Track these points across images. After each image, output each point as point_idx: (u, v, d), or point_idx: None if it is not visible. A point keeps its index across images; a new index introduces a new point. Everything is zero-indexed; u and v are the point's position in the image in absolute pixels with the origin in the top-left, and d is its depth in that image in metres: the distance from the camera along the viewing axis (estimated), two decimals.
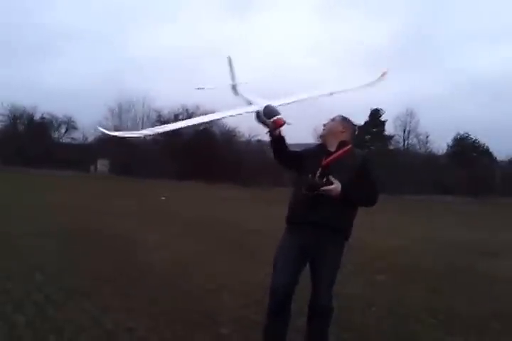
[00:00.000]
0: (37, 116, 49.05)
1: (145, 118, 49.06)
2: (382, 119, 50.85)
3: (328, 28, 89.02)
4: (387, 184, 39.35)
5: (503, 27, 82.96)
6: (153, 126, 47.50)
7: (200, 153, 41.75)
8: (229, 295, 4.89)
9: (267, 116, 3.35)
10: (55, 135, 50.44)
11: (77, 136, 50.52)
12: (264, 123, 3.36)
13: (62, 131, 50.22)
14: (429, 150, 50.68)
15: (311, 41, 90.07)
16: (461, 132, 49.94)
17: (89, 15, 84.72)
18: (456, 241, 10.92)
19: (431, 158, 50.04)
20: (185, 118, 47.04)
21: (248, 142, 47.76)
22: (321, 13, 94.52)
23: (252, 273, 6.03)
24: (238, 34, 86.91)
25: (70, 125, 49.79)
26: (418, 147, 50.85)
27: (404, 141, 50.70)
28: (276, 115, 3.33)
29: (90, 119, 64.56)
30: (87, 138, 50.52)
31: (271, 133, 3.34)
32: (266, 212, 15.12)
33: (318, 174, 3.12)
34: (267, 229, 10.71)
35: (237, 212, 15.34)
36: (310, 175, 3.14)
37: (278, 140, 3.36)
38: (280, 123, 3.32)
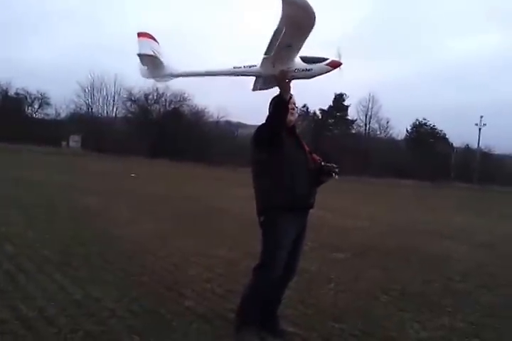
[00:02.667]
0: (11, 92, 47.76)
1: (116, 97, 48.90)
2: (346, 104, 51.74)
3: None
4: (348, 167, 40.33)
5: (464, 22, 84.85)
6: (124, 105, 46.99)
7: (169, 131, 41.54)
8: (194, 269, 5.03)
9: (312, 61, 3.14)
10: (29, 110, 49.41)
11: (50, 111, 49.69)
12: (281, 80, 2.96)
13: (36, 106, 49.28)
14: (389, 134, 52.13)
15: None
16: (420, 118, 51.52)
17: None
18: (412, 222, 11.38)
19: (391, 142, 51.41)
20: (156, 99, 46.96)
21: (217, 122, 47.88)
22: None
23: (215, 248, 6.22)
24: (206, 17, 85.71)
25: (44, 101, 48.80)
26: (379, 132, 52.18)
27: (366, 125, 51.94)
28: (325, 58, 3.18)
29: (63, 95, 63.08)
30: (59, 114, 49.85)
31: (283, 95, 2.98)
32: (231, 192, 15.29)
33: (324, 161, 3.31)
34: (230, 208, 11.08)
35: (203, 191, 15.42)
36: (324, 163, 3.28)
37: (287, 104, 3.01)
38: (338, 64, 3.17)
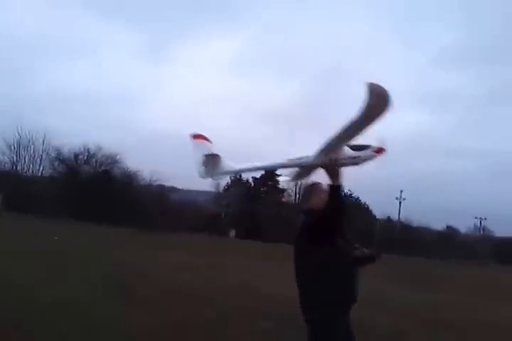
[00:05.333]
0: None
1: (44, 156, 46.99)
2: (277, 173, 54.09)
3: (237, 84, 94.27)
4: (282, 233, 41.75)
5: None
6: (51, 164, 45.50)
7: (98, 193, 40.58)
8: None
9: (359, 148, 3.20)
10: None
11: None
12: (330, 166, 3.03)
13: None
14: None
15: (218, 96, 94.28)
16: (346, 190, 54.66)
17: None
18: None
19: None
20: (86, 159, 46.36)
21: (149, 186, 47.57)
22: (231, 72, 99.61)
23: (137, 317, 6.08)
24: (149, 81, 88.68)
25: None
26: None
27: (296, 194, 54.16)
28: (370, 145, 3.25)
29: None
30: None
31: (335, 182, 3.00)
32: (159, 257, 15.38)
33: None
34: (155, 273, 11.09)
35: (129, 255, 15.09)
36: (365, 249, 3.32)
37: (341, 191, 3.03)
38: (383, 150, 3.26)
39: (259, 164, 3.41)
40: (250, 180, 55.36)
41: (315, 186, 3.32)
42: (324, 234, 3.01)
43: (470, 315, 9.71)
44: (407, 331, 7.16)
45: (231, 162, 3.37)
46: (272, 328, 6.35)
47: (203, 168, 3.33)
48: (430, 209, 55.07)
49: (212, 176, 3.43)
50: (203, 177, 3.39)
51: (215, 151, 3.34)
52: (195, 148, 3.38)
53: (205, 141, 3.42)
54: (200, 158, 3.28)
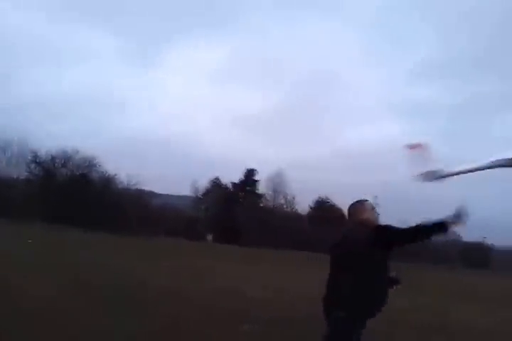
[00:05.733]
0: None
1: (20, 158, 45.64)
2: (256, 179, 55.21)
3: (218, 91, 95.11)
4: (259, 238, 42.42)
5: (361, 113, 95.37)
6: (28, 167, 44.72)
7: (75, 197, 40.39)
8: None
9: None
10: None
11: None
12: None
13: None
14: (294, 209, 55.45)
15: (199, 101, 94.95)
16: (323, 196, 55.91)
17: None
18: (315, 293, 12.38)
19: (294, 217, 54.56)
20: (63, 162, 45.94)
21: (127, 189, 47.43)
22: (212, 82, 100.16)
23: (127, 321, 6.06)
24: (129, 85, 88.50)
25: None
26: (285, 206, 55.39)
27: (273, 200, 55.12)
28: None
29: None
30: None
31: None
32: (142, 261, 15.63)
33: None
34: (140, 277, 11.03)
35: (112, 260, 15.02)
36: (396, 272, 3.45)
37: None
38: None
39: (469, 167, 3.39)
40: (229, 185, 56.21)
41: (364, 203, 3.55)
42: (390, 243, 3.22)
43: (449, 318, 10.05)
44: (393, 333, 7.26)
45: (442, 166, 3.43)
46: (261, 331, 6.41)
47: (425, 172, 3.40)
48: (402, 214, 56.37)
49: (431, 180, 3.44)
50: (423, 181, 3.44)
51: (432, 156, 3.42)
52: (414, 157, 3.45)
53: (422, 148, 3.48)
54: (420, 165, 3.37)
